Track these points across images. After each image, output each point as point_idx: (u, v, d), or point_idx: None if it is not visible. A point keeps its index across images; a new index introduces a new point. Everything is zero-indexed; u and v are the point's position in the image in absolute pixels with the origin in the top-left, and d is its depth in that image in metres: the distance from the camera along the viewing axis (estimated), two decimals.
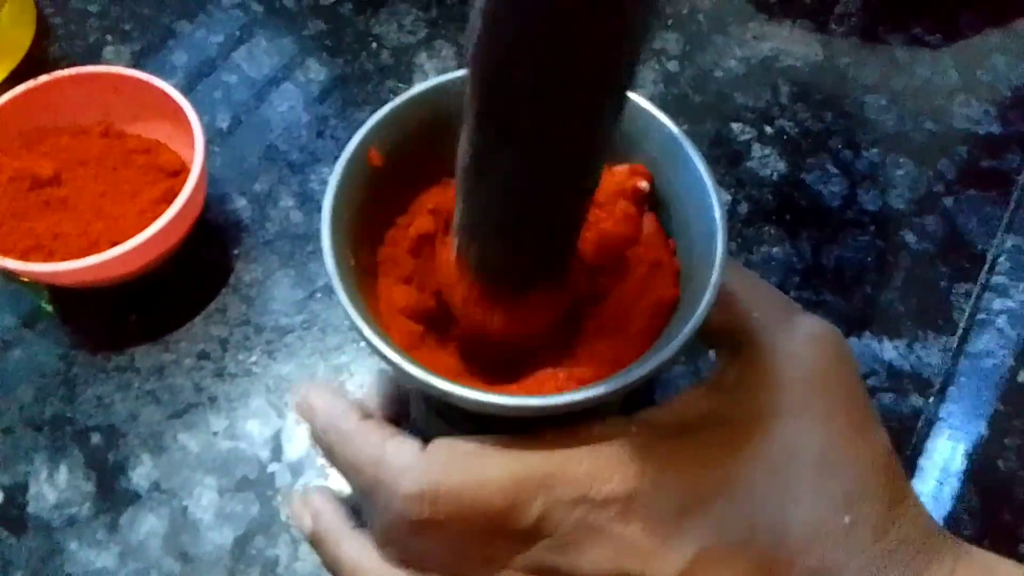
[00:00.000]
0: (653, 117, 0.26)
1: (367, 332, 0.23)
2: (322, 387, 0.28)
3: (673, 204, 0.26)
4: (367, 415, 0.26)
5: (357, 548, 0.27)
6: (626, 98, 0.20)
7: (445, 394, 0.22)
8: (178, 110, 0.36)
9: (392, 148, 0.26)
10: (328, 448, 0.26)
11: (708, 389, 0.25)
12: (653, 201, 0.27)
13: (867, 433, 0.24)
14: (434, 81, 0.26)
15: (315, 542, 0.29)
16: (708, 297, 0.23)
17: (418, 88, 0.26)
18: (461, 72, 0.25)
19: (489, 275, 0.24)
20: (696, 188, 0.25)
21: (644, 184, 0.26)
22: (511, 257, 0.24)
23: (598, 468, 0.23)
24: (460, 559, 0.25)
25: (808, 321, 0.25)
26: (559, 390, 0.24)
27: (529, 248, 0.23)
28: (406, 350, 0.25)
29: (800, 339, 0.25)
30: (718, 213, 0.24)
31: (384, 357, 0.23)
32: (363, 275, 0.26)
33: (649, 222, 0.27)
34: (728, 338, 0.25)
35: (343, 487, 0.32)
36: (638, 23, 0.18)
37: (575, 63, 0.18)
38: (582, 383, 0.24)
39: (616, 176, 0.26)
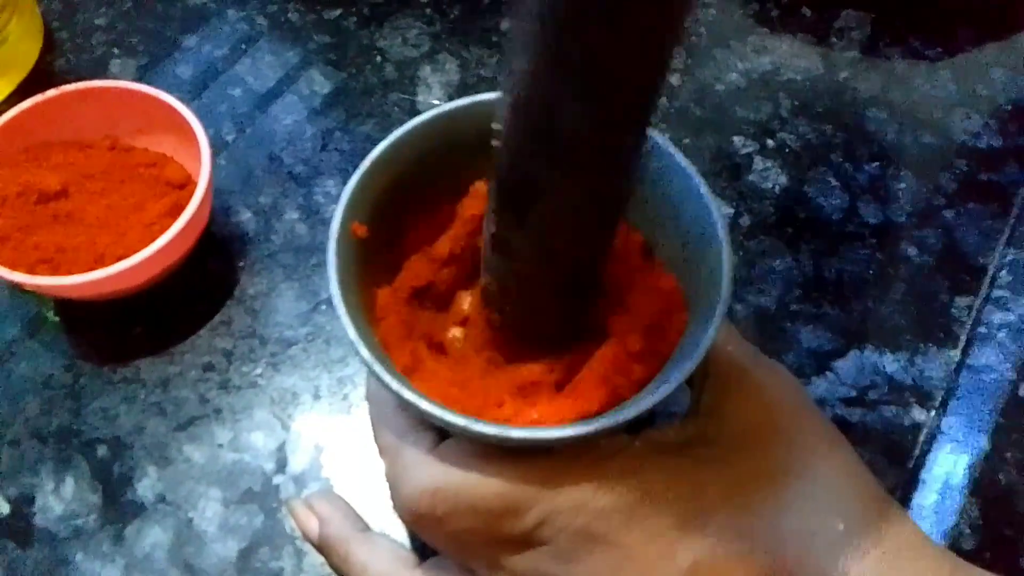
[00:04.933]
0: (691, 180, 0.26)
1: (395, 385, 0.23)
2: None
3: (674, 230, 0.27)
4: (404, 408, 0.27)
5: (367, 551, 0.28)
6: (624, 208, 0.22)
7: (464, 429, 0.23)
8: (184, 124, 0.37)
9: (372, 214, 0.27)
10: (373, 427, 0.28)
11: (694, 412, 0.26)
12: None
13: (839, 447, 0.26)
14: (391, 139, 0.27)
15: (323, 547, 0.29)
16: (711, 333, 0.24)
17: (378, 150, 0.26)
18: (415, 122, 0.27)
19: (510, 336, 0.26)
20: (707, 235, 0.26)
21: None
22: (529, 321, 0.26)
23: (601, 479, 0.24)
24: (462, 555, 0.26)
25: (767, 359, 0.27)
26: (562, 420, 0.24)
27: (544, 314, 0.26)
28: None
29: (764, 371, 0.27)
30: (726, 273, 0.24)
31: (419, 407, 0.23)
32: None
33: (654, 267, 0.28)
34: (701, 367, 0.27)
35: (346, 493, 0.32)
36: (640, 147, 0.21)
37: (587, 185, 0.21)
38: (585, 409, 0.24)
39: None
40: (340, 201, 0.25)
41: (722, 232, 0.25)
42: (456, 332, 0.28)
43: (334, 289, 0.24)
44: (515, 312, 0.26)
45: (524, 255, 0.23)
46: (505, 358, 0.27)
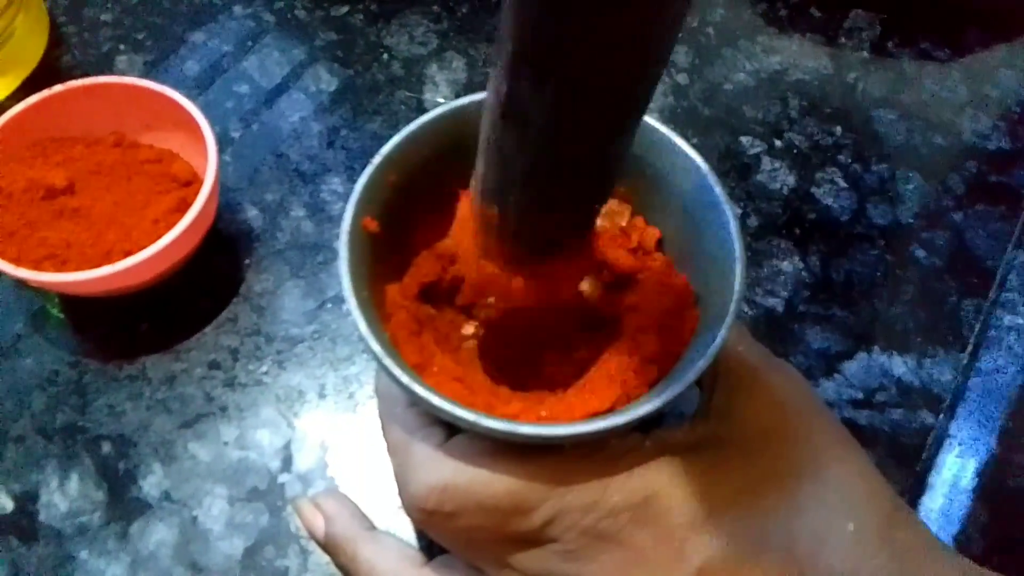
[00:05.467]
0: (688, 158, 0.26)
1: (405, 380, 0.23)
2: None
3: (689, 235, 0.27)
4: (414, 403, 0.27)
5: (373, 550, 0.28)
6: (672, 45, 0.20)
7: (473, 424, 0.23)
8: (190, 120, 0.37)
9: (382, 210, 0.26)
10: (382, 423, 0.28)
11: (704, 413, 0.26)
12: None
13: (850, 448, 0.26)
14: (401, 136, 0.27)
15: (329, 546, 0.29)
16: (723, 333, 0.23)
17: (389, 147, 0.26)
18: (424, 119, 0.27)
19: (512, 238, 0.24)
20: (719, 235, 0.25)
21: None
22: (537, 215, 0.23)
23: (611, 477, 0.24)
24: (470, 552, 0.26)
25: (777, 360, 0.27)
26: (571, 417, 0.24)
27: (556, 202, 0.23)
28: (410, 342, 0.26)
29: (775, 372, 0.27)
30: (739, 273, 0.24)
31: (432, 403, 0.23)
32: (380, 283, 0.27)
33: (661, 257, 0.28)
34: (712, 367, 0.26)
35: (352, 491, 0.32)
36: None
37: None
38: (595, 407, 0.24)
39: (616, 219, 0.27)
40: (351, 196, 0.25)
41: (735, 231, 0.25)
42: (468, 329, 0.28)
43: (345, 283, 0.24)
44: (519, 202, 0.23)
45: (540, 122, 0.20)
46: (504, 263, 0.25)
